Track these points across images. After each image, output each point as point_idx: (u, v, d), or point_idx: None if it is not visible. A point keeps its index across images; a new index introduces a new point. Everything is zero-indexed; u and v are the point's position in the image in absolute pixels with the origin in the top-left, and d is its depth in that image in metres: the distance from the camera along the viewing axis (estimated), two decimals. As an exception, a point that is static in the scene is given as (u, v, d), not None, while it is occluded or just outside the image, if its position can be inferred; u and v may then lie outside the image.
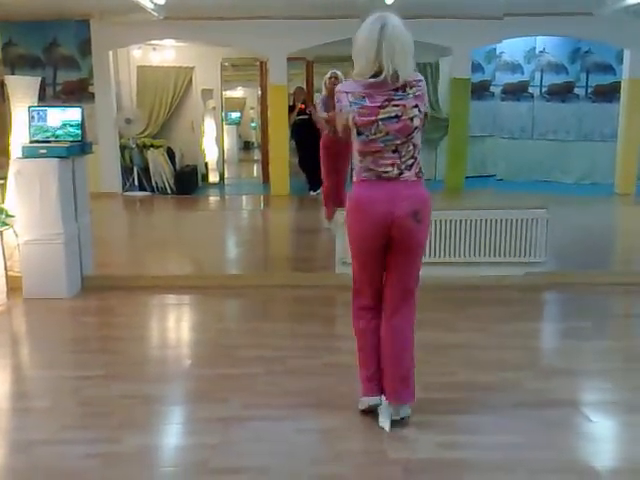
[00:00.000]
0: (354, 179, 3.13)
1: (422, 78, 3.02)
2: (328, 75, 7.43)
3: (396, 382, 3.18)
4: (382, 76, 2.91)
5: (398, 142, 2.98)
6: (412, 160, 3.03)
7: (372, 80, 2.94)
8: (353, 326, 3.31)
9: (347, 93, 3.00)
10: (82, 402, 3.59)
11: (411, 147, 3.01)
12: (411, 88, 2.95)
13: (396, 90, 2.94)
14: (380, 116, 2.94)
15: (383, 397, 3.23)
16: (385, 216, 3.00)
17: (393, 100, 2.94)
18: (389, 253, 3.10)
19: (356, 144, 3.05)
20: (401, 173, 3.01)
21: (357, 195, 3.09)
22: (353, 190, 3.13)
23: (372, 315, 3.23)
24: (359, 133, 3.00)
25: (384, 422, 3.18)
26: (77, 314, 5.11)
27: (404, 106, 2.94)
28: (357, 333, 3.29)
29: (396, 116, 2.94)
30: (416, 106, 2.96)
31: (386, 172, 3.00)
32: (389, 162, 2.99)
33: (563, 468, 2.87)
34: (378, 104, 2.94)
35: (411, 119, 2.96)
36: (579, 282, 5.67)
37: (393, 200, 2.99)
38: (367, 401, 3.27)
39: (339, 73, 7.42)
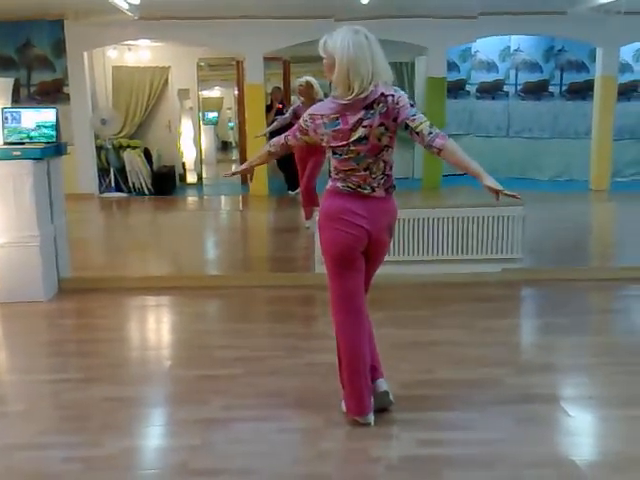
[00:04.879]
0: (328, 187, 3.13)
1: (393, 93, 2.94)
2: (297, 83, 7.43)
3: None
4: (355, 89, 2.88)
5: (370, 161, 3.00)
6: (383, 177, 3.05)
7: (345, 101, 2.93)
8: None
9: (321, 116, 3.02)
10: (61, 406, 3.56)
11: (382, 164, 3.03)
12: (378, 104, 2.93)
13: (367, 108, 2.93)
14: (351, 139, 2.96)
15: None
16: (362, 230, 3.03)
17: (363, 121, 2.94)
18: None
19: (333, 160, 3.09)
20: (373, 190, 3.04)
21: (332, 205, 3.09)
22: (327, 200, 3.13)
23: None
24: (334, 153, 3.05)
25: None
26: (54, 317, 5.06)
27: (370, 127, 2.93)
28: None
29: (365, 137, 2.95)
30: (382, 124, 2.94)
31: (360, 188, 3.03)
32: (361, 179, 3.02)
33: (542, 462, 2.90)
34: (349, 127, 2.95)
35: (379, 139, 2.96)
36: (555, 278, 5.73)
37: (370, 217, 3.03)
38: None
39: (309, 79, 7.32)
